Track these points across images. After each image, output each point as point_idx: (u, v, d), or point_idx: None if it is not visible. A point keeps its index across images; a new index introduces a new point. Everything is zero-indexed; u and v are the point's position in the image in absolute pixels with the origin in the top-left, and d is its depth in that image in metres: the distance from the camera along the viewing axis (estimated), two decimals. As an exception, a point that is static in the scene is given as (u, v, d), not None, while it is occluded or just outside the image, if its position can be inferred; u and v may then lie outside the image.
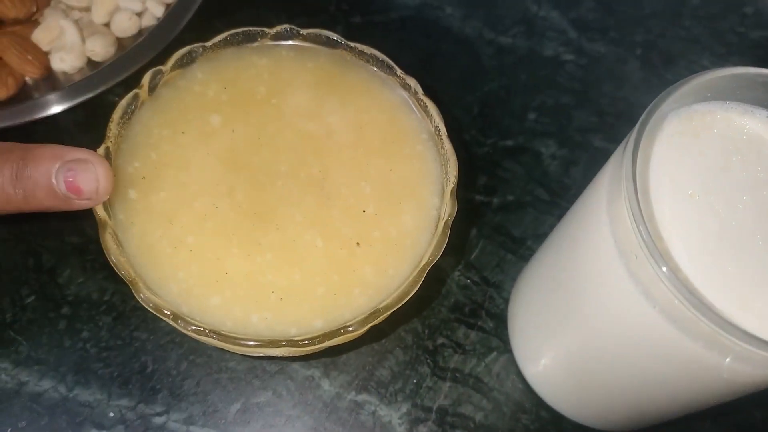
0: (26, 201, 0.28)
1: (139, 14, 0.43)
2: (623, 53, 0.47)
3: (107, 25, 0.42)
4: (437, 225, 0.31)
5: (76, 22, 0.42)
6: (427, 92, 0.33)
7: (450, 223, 0.31)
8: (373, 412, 0.35)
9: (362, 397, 0.36)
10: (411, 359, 0.37)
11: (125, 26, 0.42)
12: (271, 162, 0.32)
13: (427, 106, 0.33)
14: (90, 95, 0.40)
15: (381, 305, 0.29)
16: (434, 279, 0.39)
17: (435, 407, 0.36)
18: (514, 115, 0.44)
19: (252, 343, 0.28)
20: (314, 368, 0.36)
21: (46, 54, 0.42)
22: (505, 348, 0.37)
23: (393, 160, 0.33)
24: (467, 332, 0.38)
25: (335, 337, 0.28)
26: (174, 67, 0.33)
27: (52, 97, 0.40)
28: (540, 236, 0.40)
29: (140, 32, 0.43)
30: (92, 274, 0.37)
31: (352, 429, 0.35)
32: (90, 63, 0.42)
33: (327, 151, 0.33)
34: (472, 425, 0.35)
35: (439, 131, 0.33)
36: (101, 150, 0.30)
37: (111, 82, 0.40)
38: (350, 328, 0.29)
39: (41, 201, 0.28)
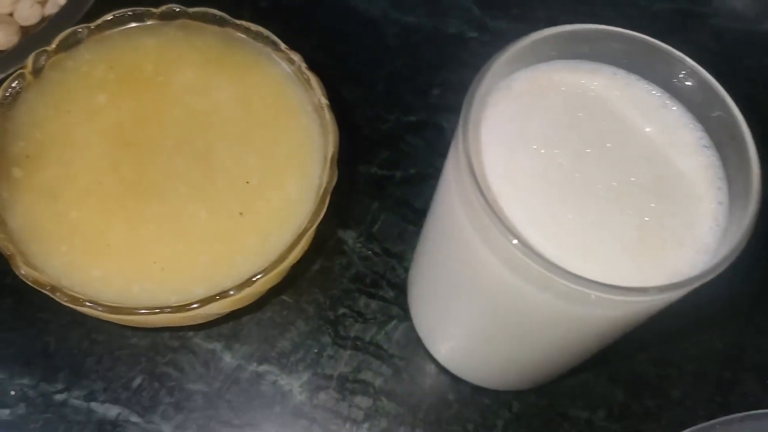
0: None
1: (42, 3, 0.43)
2: (526, 29, 0.47)
3: (11, 14, 0.43)
4: (318, 192, 0.32)
5: (-21, 12, 0.43)
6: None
7: (330, 189, 0.32)
8: (274, 382, 0.36)
9: (263, 367, 0.36)
10: (312, 330, 0.38)
11: (27, 14, 0.42)
12: (156, 138, 0.33)
13: (310, 80, 0.34)
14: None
15: (261, 269, 0.30)
16: (336, 251, 0.40)
17: (335, 375, 0.37)
18: (418, 92, 0.45)
19: (142, 311, 0.29)
20: (216, 342, 0.37)
21: (-49, 45, 0.42)
22: (406, 316, 0.38)
23: (278, 132, 0.34)
24: (368, 302, 0.39)
25: (212, 302, 0.29)
26: (60, 49, 0.34)
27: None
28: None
29: (43, 20, 0.43)
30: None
31: (252, 399, 0.36)
32: (-6, 52, 0.42)
33: (213, 126, 0.34)
34: (372, 390, 0.36)
35: (322, 104, 0.34)
36: None
37: (11, 69, 0.40)
38: (231, 293, 0.30)
39: None
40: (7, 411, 0.34)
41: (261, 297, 0.34)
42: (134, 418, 0.35)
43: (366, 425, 0.35)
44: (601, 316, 0.25)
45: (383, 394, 0.36)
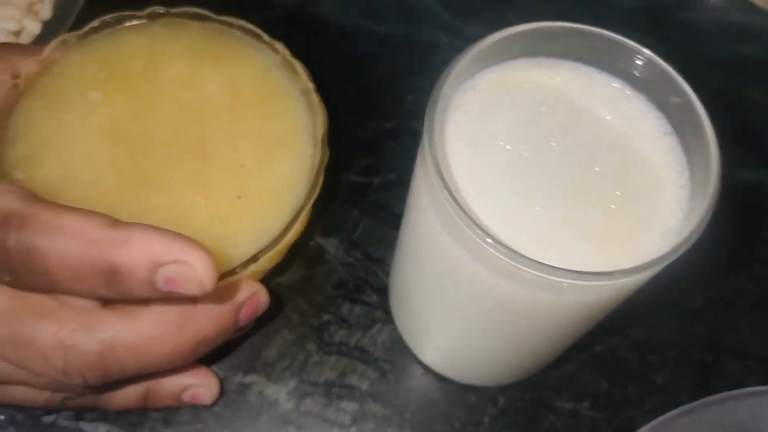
0: (122, 296, 0.26)
1: (17, 33, 0.44)
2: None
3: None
4: (312, 171, 0.34)
5: (-45, 42, 0.43)
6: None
7: (323, 167, 0.34)
8: (260, 392, 0.36)
9: (249, 378, 0.37)
10: (297, 338, 0.38)
11: (2, 43, 0.43)
12: (151, 131, 0.34)
13: (295, 66, 0.36)
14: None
15: (262, 248, 0.31)
16: (319, 260, 0.40)
17: (322, 381, 0.37)
18: (394, 99, 0.46)
19: None
20: (202, 354, 0.37)
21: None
22: (389, 319, 0.39)
23: (268, 118, 0.36)
24: (352, 307, 0.39)
25: (219, 281, 0.30)
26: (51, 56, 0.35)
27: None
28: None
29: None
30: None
31: (239, 410, 0.36)
32: (-30, 81, 0.43)
33: (204, 115, 0.35)
34: (358, 394, 0.37)
35: (308, 88, 0.36)
36: None
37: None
38: (236, 272, 0.31)
39: (137, 296, 0.26)
40: (-4, 434, 0.34)
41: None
42: (123, 435, 0.35)
43: (353, 429, 0.36)
44: (573, 303, 0.25)
45: (370, 397, 0.37)
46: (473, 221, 0.23)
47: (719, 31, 0.51)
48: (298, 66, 0.36)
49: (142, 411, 0.35)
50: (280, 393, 0.36)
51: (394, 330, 0.38)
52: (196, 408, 0.35)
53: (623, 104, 0.28)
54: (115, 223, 0.26)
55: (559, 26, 0.27)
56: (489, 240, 0.23)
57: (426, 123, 0.25)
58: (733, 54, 0.50)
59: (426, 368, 0.37)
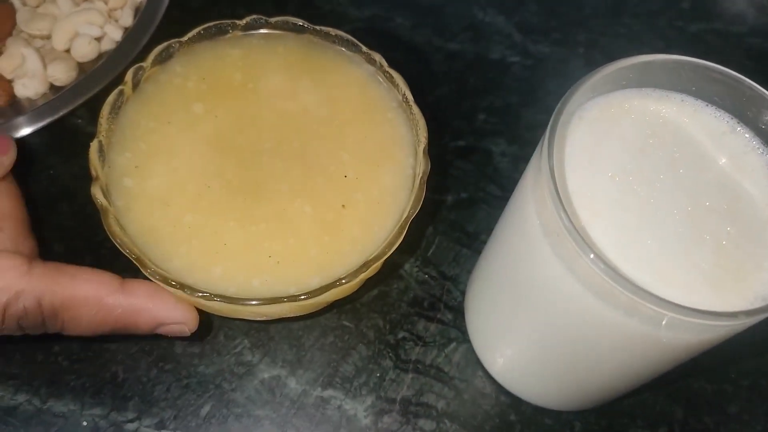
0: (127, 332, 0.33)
1: (99, 39, 0.44)
2: (566, 53, 0.49)
3: (68, 51, 0.44)
4: (414, 182, 0.35)
5: (38, 49, 0.44)
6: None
7: (425, 178, 0.34)
8: (339, 407, 0.37)
9: (328, 392, 0.37)
10: (374, 354, 0.38)
11: (85, 51, 0.43)
12: (254, 141, 0.35)
13: (393, 77, 0.37)
14: (53, 118, 0.42)
15: (370, 257, 0.32)
16: (394, 276, 0.40)
17: (398, 398, 0.37)
18: (465, 117, 0.46)
19: (254, 302, 0.30)
20: (281, 368, 0.37)
21: (10, 82, 0.43)
22: (464, 338, 0.39)
23: (367, 128, 0.36)
24: (427, 325, 0.39)
25: (331, 289, 0.31)
26: (153, 63, 0.36)
27: (17, 121, 0.41)
28: (493, 230, 0.42)
29: (100, 56, 0.44)
30: (62, 290, 0.39)
31: (319, 424, 0.36)
32: (53, 88, 0.43)
33: (305, 126, 0.36)
34: (434, 413, 0.37)
35: (407, 99, 0.36)
36: (95, 144, 0.33)
37: (72, 105, 0.41)
38: (343, 281, 0.32)
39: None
40: (80, 440, 0.35)
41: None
42: (205, 445, 0.35)
43: (432, 448, 0.36)
44: (682, 340, 0.25)
45: (446, 417, 0.37)
46: (595, 253, 0.23)
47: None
48: (397, 77, 0.37)
49: (222, 421, 0.36)
50: (358, 409, 0.37)
51: (470, 349, 0.38)
52: (275, 420, 0.36)
53: (731, 139, 0.28)
54: (122, 283, 0.32)
55: (667, 59, 0.28)
56: (614, 274, 0.23)
57: (545, 148, 0.25)
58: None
59: (501, 389, 0.38)
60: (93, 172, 0.33)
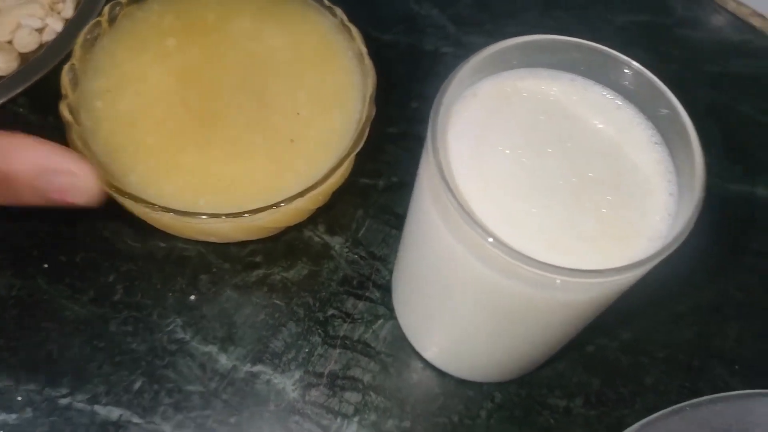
0: (13, 201, 0.28)
1: (40, 30, 0.45)
2: (499, 43, 0.50)
3: (10, 42, 0.45)
4: (359, 125, 0.38)
5: (-20, 41, 0.45)
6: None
7: (369, 122, 0.38)
8: (268, 381, 0.38)
9: (257, 368, 0.38)
10: (303, 330, 0.40)
11: (26, 42, 0.45)
12: (219, 76, 0.39)
13: (351, 30, 0.40)
14: (-7, 106, 0.43)
15: (308, 186, 0.35)
16: (325, 257, 0.42)
17: (326, 372, 0.39)
18: (398, 105, 0.48)
19: (203, 216, 0.34)
20: (212, 344, 0.39)
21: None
22: (391, 315, 0.40)
23: (324, 73, 0.40)
24: (356, 303, 0.41)
25: (267, 210, 0.34)
26: (131, 1, 0.40)
27: (-43, 111, 0.43)
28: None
29: (41, 46, 0.45)
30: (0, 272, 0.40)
31: (246, 397, 0.37)
32: (-6, 78, 0.45)
33: (267, 66, 0.40)
34: (360, 386, 0.38)
35: (362, 52, 0.39)
36: (67, 66, 0.36)
37: (12, 93, 0.43)
38: (282, 204, 0.35)
39: (29, 202, 0.27)
40: (14, 416, 0.36)
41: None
42: (136, 419, 0.37)
43: (356, 419, 0.37)
44: (568, 301, 0.27)
45: (372, 389, 0.38)
46: (476, 222, 0.25)
47: (715, 49, 0.53)
48: (354, 31, 0.40)
49: (154, 396, 0.37)
50: (286, 383, 0.38)
51: (396, 326, 0.40)
52: (204, 395, 0.37)
53: (616, 114, 0.30)
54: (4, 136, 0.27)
55: (553, 39, 0.29)
56: (491, 239, 0.25)
57: (429, 128, 0.27)
58: (727, 70, 0.51)
59: (426, 363, 0.39)
60: (63, 91, 0.36)
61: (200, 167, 0.36)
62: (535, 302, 0.28)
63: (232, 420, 0.37)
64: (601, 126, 0.29)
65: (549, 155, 0.29)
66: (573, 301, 0.27)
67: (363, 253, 0.42)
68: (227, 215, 0.34)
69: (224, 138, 0.37)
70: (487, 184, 0.28)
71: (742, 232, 0.45)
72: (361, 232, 0.43)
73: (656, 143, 0.29)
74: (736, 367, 0.41)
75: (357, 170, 0.45)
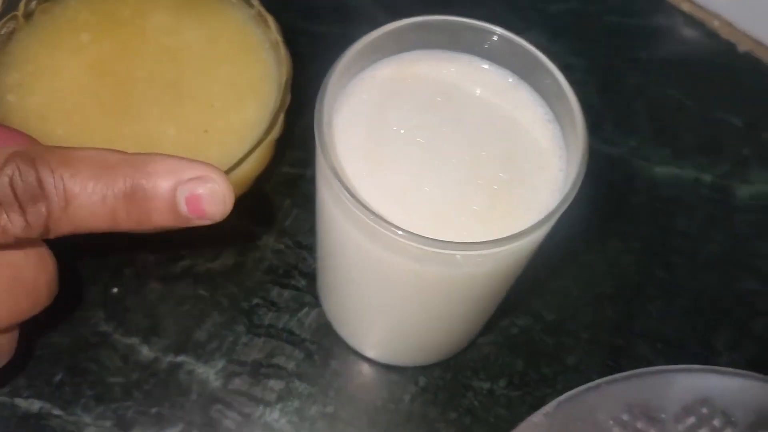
0: (139, 223, 0.25)
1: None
2: (429, 33, 0.51)
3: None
4: (276, 114, 0.38)
5: None
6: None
7: (283, 109, 0.38)
8: (191, 371, 0.38)
9: (180, 358, 0.38)
10: (227, 320, 0.40)
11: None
12: (133, 69, 0.39)
13: (267, 20, 0.40)
14: None
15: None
16: (250, 248, 0.42)
17: (249, 361, 0.39)
18: (328, 95, 0.48)
19: None
20: (134, 336, 0.39)
21: None
22: (316, 303, 0.40)
23: (241, 65, 0.40)
24: (281, 291, 0.41)
25: None
26: None
27: None
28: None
29: None
30: None
31: (169, 387, 0.37)
32: None
33: (183, 60, 0.40)
34: (285, 374, 0.38)
35: (278, 41, 0.40)
36: None
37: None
38: None
39: (156, 223, 0.25)
40: (-69, 412, 0.36)
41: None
42: (57, 411, 0.36)
43: (279, 406, 0.38)
44: (466, 275, 0.27)
45: (296, 377, 0.38)
46: (362, 204, 0.25)
47: (644, 35, 0.54)
48: (270, 20, 0.40)
49: (75, 389, 0.37)
50: (209, 372, 0.38)
51: (322, 313, 0.40)
52: (126, 386, 0.37)
53: (512, 94, 0.30)
54: (129, 154, 0.26)
55: (447, 20, 0.30)
56: (372, 216, 0.25)
57: (316, 109, 0.27)
58: (656, 56, 0.52)
59: (351, 349, 0.39)
60: None
61: None
62: (430, 279, 0.28)
63: (153, 410, 0.37)
64: (497, 105, 0.30)
65: (444, 135, 0.29)
66: (468, 275, 0.28)
67: (290, 243, 0.42)
68: None
69: (137, 130, 0.37)
70: (379, 165, 0.28)
71: (669, 214, 0.46)
72: (288, 221, 0.43)
73: (549, 121, 0.29)
74: (659, 345, 0.41)
75: (284, 160, 0.45)
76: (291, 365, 0.39)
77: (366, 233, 0.27)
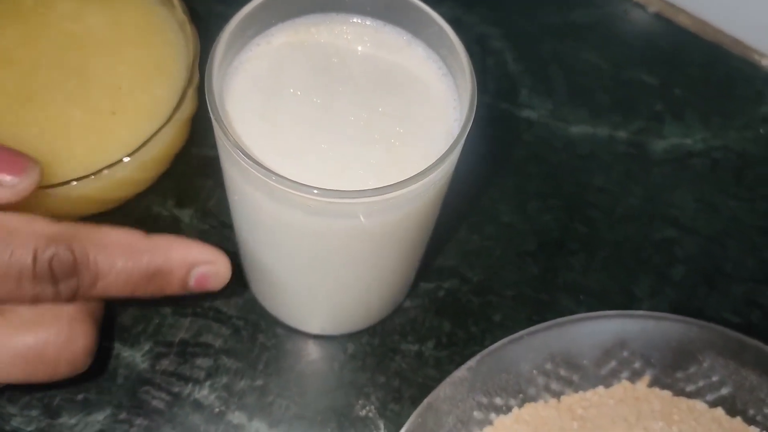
0: (153, 295, 0.32)
1: None
2: None
3: None
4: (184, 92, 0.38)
5: None
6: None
7: (192, 87, 0.38)
8: (117, 355, 0.38)
9: (106, 344, 0.38)
10: (152, 303, 0.39)
11: None
12: (37, 57, 0.40)
13: (173, 1, 0.40)
14: None
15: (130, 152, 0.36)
16: (173, 229, 0.42)
17: (176, 341, 0.39)
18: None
19: None
20: (57, 325, 0.38)
21: None
22: (242, 280, 0.41)
23: (148, 47, 0.41)
24: (206, 271, 0.41)
25: (82, 180, 0.35)
26: None
27: None
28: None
29: None
30: None
31: (95, 374, 0.37)
32: None
33: (88, 45, 0.40)
34: (212, 351, 0.39)
35: (183, 20, 0.40)
36: None
37: None
38: (104, 172, 0.36)
39: (166, 294, 0.32)
40: None
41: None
42: (-21, 406, 0.36)
43: (208, 383, 0.38)
44: (367, 227, 0.28)
45: (224, 353, 0.38)
46: (254, 160, 0.25)
47: (556, 1, 0.55)
48: (175, 1, 0.40)
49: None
50: (136, 355, 0.38)
51: (248, 290, 0.40)
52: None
53: (407, 51, 0.31)
54: (149, 234, 0.31)
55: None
56: (271, 175, 0.25)
57: (206, 74, 0.27)
58: (567, 21, 0.53)
59: (278, 323, 0.40)
60: None
61: (17, 146, 0.35)
62: (337, 235, 0.28)
63: (80, 397, 0.37)
64: (393, 63, 0.30)
65: (341, 93, 0.29)
66: (373, 228, 0.28)
67: (214, 223, 0.42)
68: (45, 187, 0.34)
69: (41, 116, 0.37)
70: (277, 127, 0.28)
71: (587, 170, 0.47)
72: (211, 202, 0.43)
73: (444, 75, 0.30)
74: (582, 297, 0.42)
75: (205, 142, 0.45)
76: (218, 342, 0.39)
77: (264, 192, 0.27)
